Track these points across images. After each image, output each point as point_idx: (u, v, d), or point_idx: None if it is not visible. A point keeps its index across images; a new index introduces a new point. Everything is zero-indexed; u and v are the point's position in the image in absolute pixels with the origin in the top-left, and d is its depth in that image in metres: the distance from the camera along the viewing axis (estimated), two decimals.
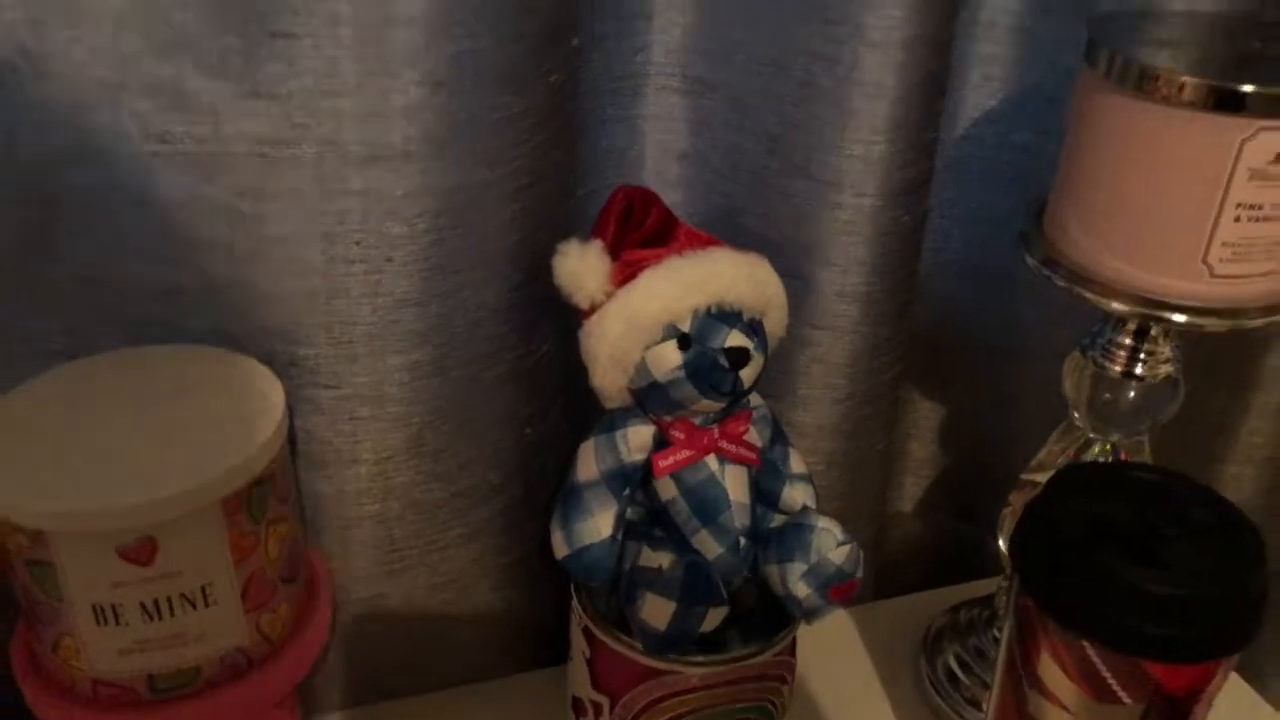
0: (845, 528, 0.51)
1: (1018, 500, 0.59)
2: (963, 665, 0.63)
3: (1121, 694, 0.43)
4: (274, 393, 0.45)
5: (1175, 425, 0.72)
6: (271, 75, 0.42)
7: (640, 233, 0.50)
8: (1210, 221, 0.46)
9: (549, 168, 0.50)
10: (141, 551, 0.40)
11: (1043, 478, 0.54)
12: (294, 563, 0.46)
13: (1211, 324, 0.48)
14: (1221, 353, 0.74)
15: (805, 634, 0.54)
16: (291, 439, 0.46)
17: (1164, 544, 0.43)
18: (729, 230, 0.56)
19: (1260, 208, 0.45)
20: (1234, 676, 0.64)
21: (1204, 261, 0.46)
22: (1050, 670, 0.45)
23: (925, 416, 0.73)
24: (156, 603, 0.41)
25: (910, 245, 0.57)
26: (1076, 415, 0.56)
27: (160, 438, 0.42)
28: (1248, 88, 0.43)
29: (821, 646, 0.64)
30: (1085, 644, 0.43)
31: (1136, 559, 0.43)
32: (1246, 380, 0.78)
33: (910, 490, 0.77)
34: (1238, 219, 0.45)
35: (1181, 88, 0.44)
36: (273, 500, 0.44)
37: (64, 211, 0.44)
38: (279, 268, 0.46)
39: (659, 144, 0.57)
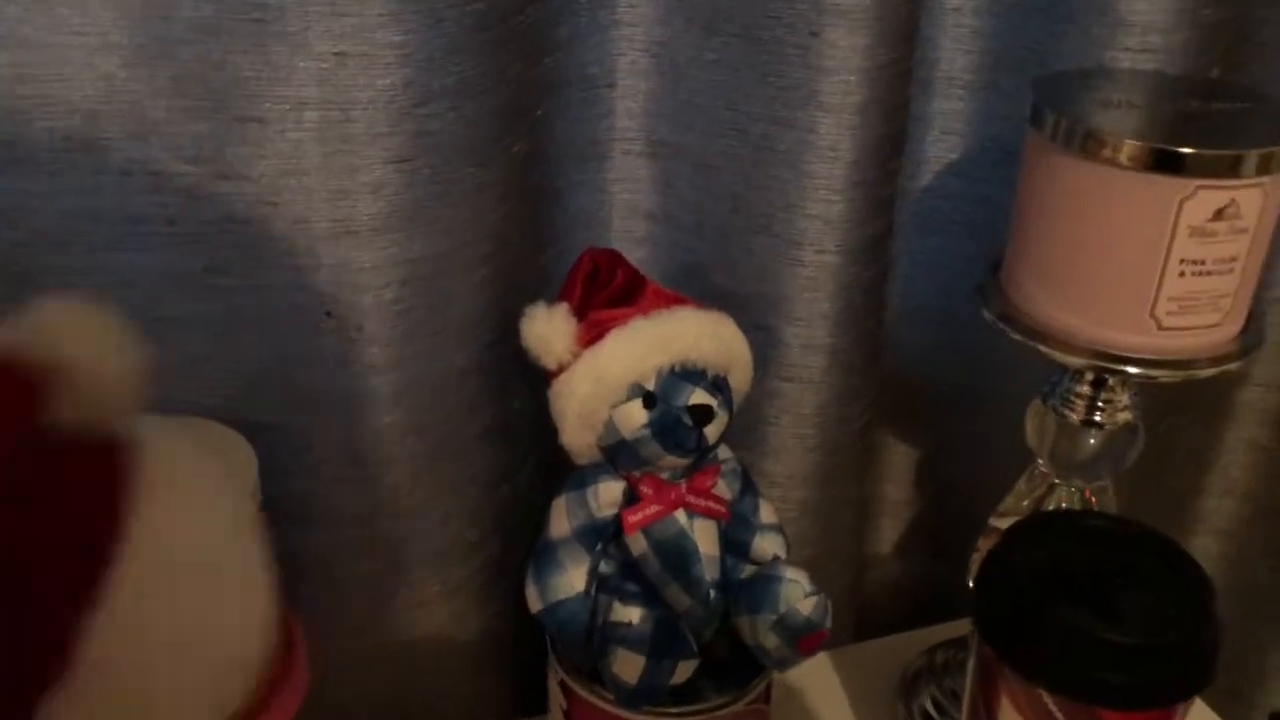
0: (819, 575, 0.52)
1: (985, 545, 0.60)
2: (939, 708, 0.64)
3: None
4: (247, 461, 0.46)
5: (1152, 460, 0.74)
6: (240, 158, 0.43)
7: (607, 293, 0.51)
8: (1156, 277, 0.47)
9: (515, 233, 0.52)
10: None
11: (1008, 524, 0.55)
12: None
13: (1164, 375, 0.49)
14: (1194, 389, 0.75)
15: (782, 678, 0.55)
16: (268, 502, 0.47)
17: (1119, 592, 0.45)
18: (696, 286, 0.57)
19: (1203, 263, 0.47)
20: (1204, 707, 0.65)
21: (1152, 315, 0.48)
22: (1011, 717, 0.46)
23: (900, 459, 0.74)
24: None
25: (873, 298, 0.59)
26: (1041, 461, 0.57)
27: None
28: (1186, 149, 0.45)
29: (799, 690, 0.65)
30: (1043, 692, 0.44)
31: (1092, 608, 0.44)
32: (1220, 414, 0.79)
33: (887, 532, 0.78)
34: (1182, 274, 0.47)
35: (1123, 150, 0.45)
36: None
37: (44, 290, 0.45)
38: (252, 339, 0.47)
39: (625, 204, 0.58)
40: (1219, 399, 0.77)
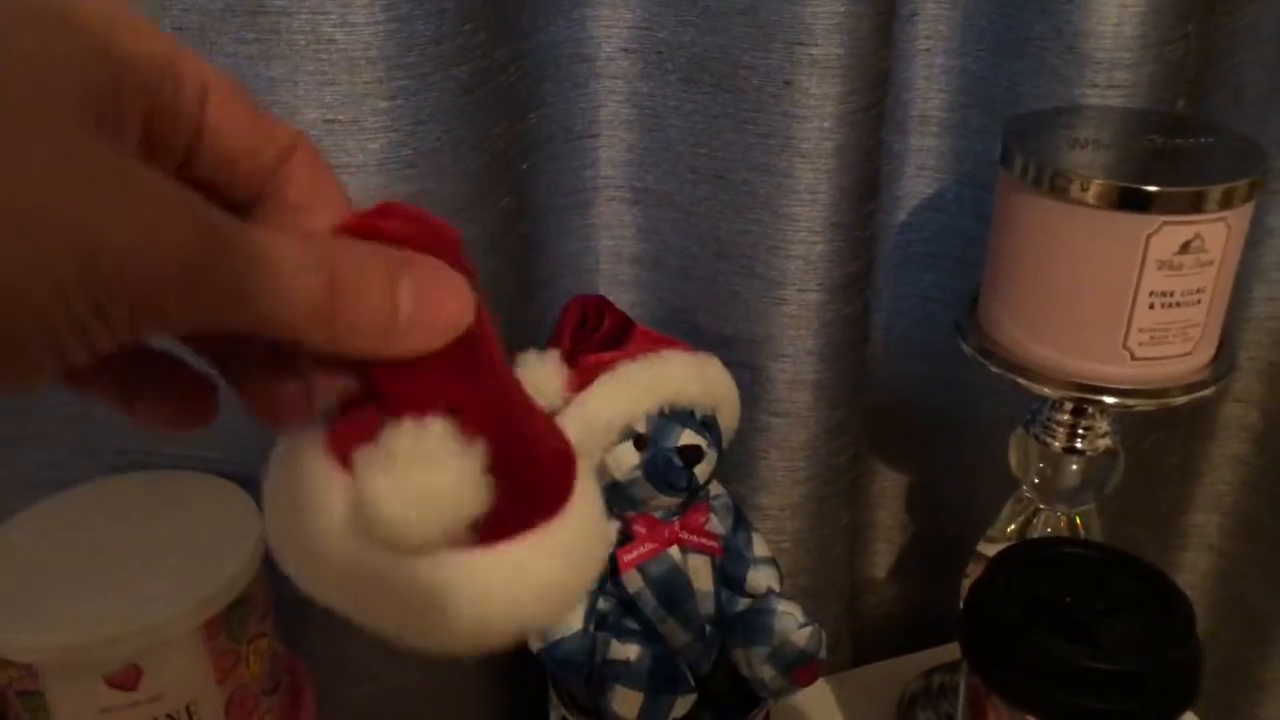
0: (814, 603, 0.53)
1: (974, 571, 0.61)
2: None
3: None
4: (249, 515, 0.47)
5: (1139, 477, 0.75)
6: None
7: (596, 338, 0.52)
8: (1126, 310, 0.48)
9: (504, 283, 0.53)
10: (127, 678, 0.42)
11: (995, 550, 0.56)
12: (275, 674, 0.49)
13: (1139, 404, 0.51)
14: (1175, 408, 0.76)
15: (781, 704, 0.56)
16: (270, 553, 0.49)
17: (1101, 619, 0.46)
18: (684, 328, 0.59)
19: (1171, 294, 0.48)
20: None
21: (1124, 346, 0.49)
22: None
23: (891, 486, 0.76)
24: None
25: (855, 333, 0.60)
26: (1025, 488, 0.59)
27: (140, 566, 0.44)
28: (1151, 187, 0.46)
29: (797, 717, 0.66)
30: (1030, 718, 0.45)
31: (1073, 636, 0.45)
32: (1203, 432, 0.80)
33: (883, 557, 0.79)
34: (1151, 306, 0.48)
35: (1090, 189, 0.47)
36: (252, 619, 0.46)
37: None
38: None
39: (612, 250, 0.60)
40: (1201, 416, 0.79)
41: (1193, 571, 0.85)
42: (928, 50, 0.60)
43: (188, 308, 0.20)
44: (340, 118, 0.44)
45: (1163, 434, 0.76)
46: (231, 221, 0.21)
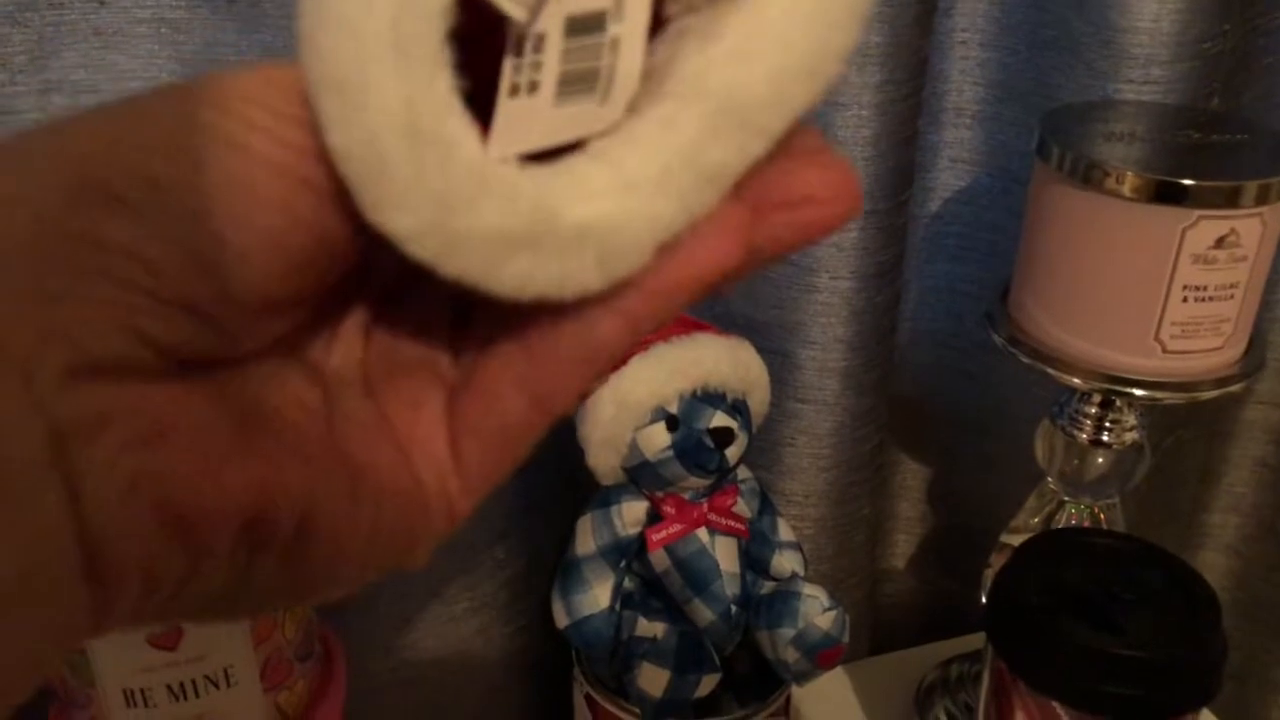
0: (835, 590, 0.54)
1: (997, 562, 0.62)
2: None
3: None
4: None
5: (1159, 475, 0.75)
6: None
7: None
8: (1159, 303, 0.49)
9: None
10: (168, 638, 0.43)
11: (1018, 541, 0.56)
12: (309, 641, 0.49)
13: (1168, 397, 0.51)
14: (1200, 407, 0.76)
15: (801, 691, 0.57)
16: None
17: (1124, 608, 0.46)
18: (716, 312, 0.59)
19: (1205, 289, 0.48)
20: (1213, 718, 0.67)
21: (1156, 339, 0.50)
22: None
23: (913, 477, 0.76)
24: (182, 685, 0.44)
25: (885, 322, 0.60)
26: (1050, 480, 0.59)
27: None
28: (1188, 180, 0.46)
29: (817, 703, 0.66)
30: (1055, 705, 0.46)
31: (1098, 624, 0.46)
32: (1226, 432, 0.80)
33: (903, 548, 0.79)
34: (1184, 300, 0.49)
35: (1126, 181, 0.47)
36: None
37: None
38: None
39: None
40: (1225, 416, 0.79)
41: (1210, 571, 0.85)
42: (964, 43, 0.61)
43: None
44: None
45: (1185, 433, 0.76)
46: None
